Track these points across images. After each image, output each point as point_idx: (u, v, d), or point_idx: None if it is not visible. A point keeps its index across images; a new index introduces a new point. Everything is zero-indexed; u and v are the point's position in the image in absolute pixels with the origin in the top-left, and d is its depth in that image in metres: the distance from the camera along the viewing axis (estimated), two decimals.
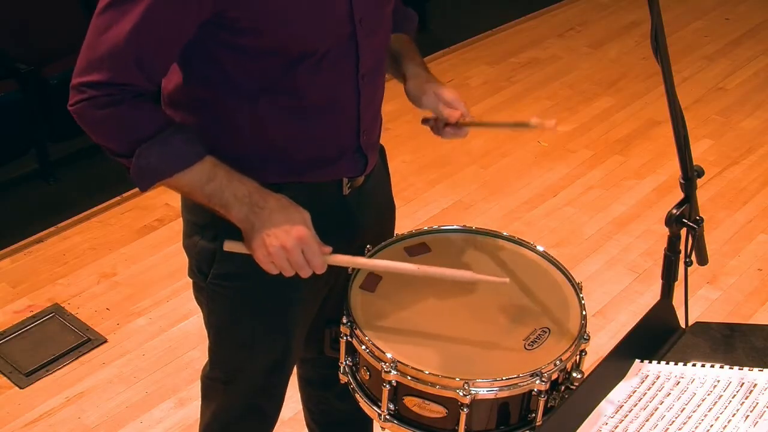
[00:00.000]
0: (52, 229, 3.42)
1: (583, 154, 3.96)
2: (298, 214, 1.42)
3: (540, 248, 1.67)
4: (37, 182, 3.74)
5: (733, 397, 1.25)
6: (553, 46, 4.98)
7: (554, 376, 1.43)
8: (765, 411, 1.21)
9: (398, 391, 1.44)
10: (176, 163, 1.39)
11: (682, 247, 1.44)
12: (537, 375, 1.40)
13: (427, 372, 1.39)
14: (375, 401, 1.50)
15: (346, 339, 1.52)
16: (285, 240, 1.39)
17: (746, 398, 1.24)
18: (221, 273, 1.59)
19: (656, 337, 1.42)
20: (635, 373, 1.34)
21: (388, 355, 1.42)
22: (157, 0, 1.30)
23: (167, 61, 1.41)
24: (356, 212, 1.64)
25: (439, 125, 1.63)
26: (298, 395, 2.11)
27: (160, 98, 1.54)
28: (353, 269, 1.59)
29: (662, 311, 1.44)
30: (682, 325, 1.45)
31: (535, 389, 1.41)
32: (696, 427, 1.21)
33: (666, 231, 1.43)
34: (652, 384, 1.31)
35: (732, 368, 1.31)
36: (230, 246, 1.46)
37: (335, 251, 1.45)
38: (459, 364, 1.43)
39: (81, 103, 1.37)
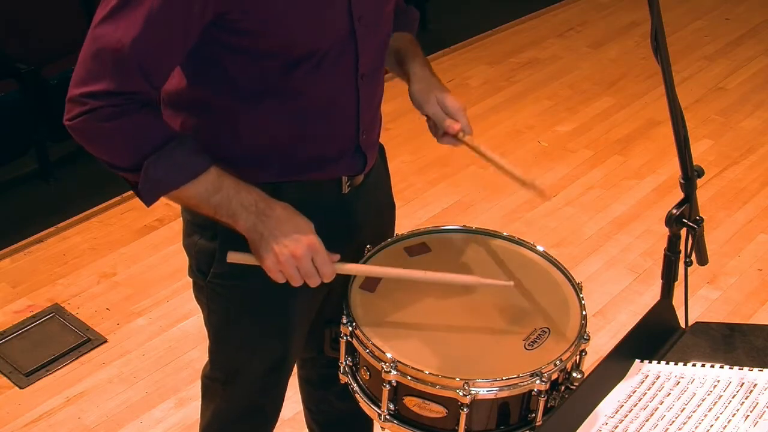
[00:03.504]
0: (52, 229, 3.42)
1: (583, 154, 3.96)
2: (305, 223, 1.42)
3: (540, 248, 1.67)
4: (37, 182, 3.74)
5: (733, 397, 1.25)
6: (553, 46, 4.98)
7: (554, 376, 1.43)
8: (765, 411, 1.21)
9: (398, 391, 1.44)
10: (183, 175, 1.36)
11: (682, 247, 1.44)
12: (537, 375, 1.40)
13: (427, 372, 1.39)
14: (375, 401, 1.50)
15: (346, 339, 1.52)
16: (295, 248, 1.39)
17: (746, 398, 1.24)
18: (221, 272, 1.59)
19: (656, 337, 1.42)
20: (635, 373, 1.34)
21: (388, 355, 1.42)
22: (160, 4, 1.27)
23: (171, 66, 1.39)
24: (356, 211, 1.64)
25: (438, 130, 1.65)
26: (298, 395, 2.11)
27: (160, 101, 1.52)
28: None
29: (662, 311, 1.44)
30: (682, 325, 1.45)
31: (535, 389, 1.41)
32: (696, 427, 1.21)
33: (666, 231, 1.43)
34: (652, 384, 1.31)
35: (732, 368, 1.31)
36: (234, 257, 1.45)
37: (334, 250, 1.44)
38: (459, 364, 1.43)
39: (82, 116, 1.30)
